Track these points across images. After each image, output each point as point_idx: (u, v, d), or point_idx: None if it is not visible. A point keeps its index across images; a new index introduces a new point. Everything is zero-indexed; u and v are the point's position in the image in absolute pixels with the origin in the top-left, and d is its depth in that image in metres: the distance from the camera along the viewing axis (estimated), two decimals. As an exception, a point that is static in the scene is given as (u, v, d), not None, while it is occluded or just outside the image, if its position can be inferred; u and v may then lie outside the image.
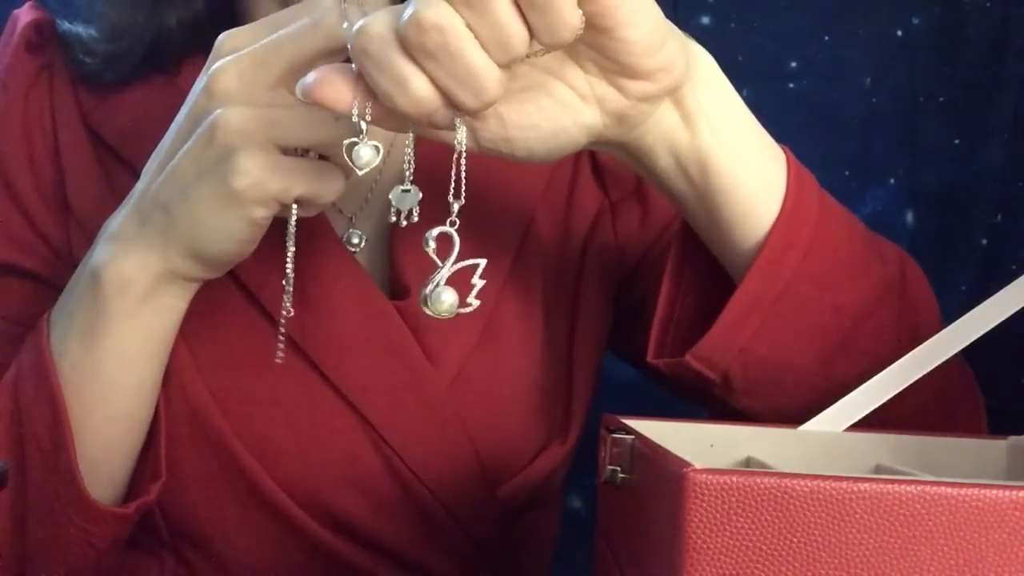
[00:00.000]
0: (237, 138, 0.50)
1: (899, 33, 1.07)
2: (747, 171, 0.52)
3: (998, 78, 1.06)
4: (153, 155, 0.55)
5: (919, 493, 0.34)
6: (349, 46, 0.44)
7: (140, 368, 0.57)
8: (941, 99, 1.07)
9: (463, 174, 0.45)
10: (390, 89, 0.43)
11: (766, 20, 1.06)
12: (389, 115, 0.45)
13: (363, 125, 0.46)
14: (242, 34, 0.53)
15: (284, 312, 0.54)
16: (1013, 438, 0.51)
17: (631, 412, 0.52)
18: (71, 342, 0.56)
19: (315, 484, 0.62)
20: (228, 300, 0.62)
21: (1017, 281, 0.49)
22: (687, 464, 0.35)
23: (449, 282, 0.47)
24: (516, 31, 0.42)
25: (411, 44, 0.42)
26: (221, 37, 0.53)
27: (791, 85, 1.05)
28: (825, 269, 0.54)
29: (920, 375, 0.50)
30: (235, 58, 0.52)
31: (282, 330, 0.55)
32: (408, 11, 0.42)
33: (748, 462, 0.51)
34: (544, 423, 0.67)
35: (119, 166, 0.65)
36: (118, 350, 0.56)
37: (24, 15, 0.68)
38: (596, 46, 0.46)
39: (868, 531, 0.34)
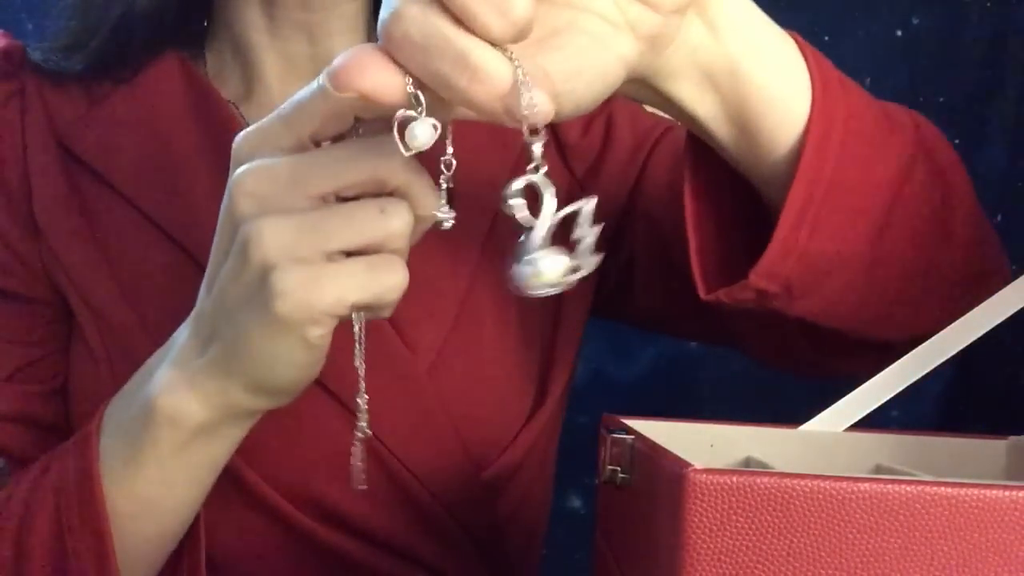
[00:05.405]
0: (272, 253, 0.44)
1: (899, 33, 1.07)
2: (776, 70, 0.50)
3: (998, 78, 1.06)
4: (209, 262, 0.50)
5: (919, 493, 0.34)
6: (381, 41, 0.39)
7: (183, 492, 0.55)
8: (941, 99, 1.07)
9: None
10: (449, 71, 0.38)
11: (766, 20, 1.06)
12: (440, 104, 0.40)
13: (422, 98, 0.39)
14: (256, 133, 0.47)
15: (359, 435, 0.50)
16: (1013, 438, 0.51)
17: (631, 412, 0.52)
18: (114, 459, 0.54)
19: (299, 474, 0.62)
20: None
21: (1017, 281, 0.48)
22: (687, 464, 0.35)
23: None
24: None
25: None
26: (238, 139, 0.48)
27: (791, 85, 1.05)
28: (861, 150, 0.52)
29: (920, 376, 0.50)
30: (258, 161, 0.46)
31: (358, 452, 0.51)
32: None
33: (748, 462, 0.51)
34: (523, 400, 0.67)
35: (94, 182, 0.65)
36: (162, 477, 0.53)
37: None
38: None
39: (868, 531, 0.34)
